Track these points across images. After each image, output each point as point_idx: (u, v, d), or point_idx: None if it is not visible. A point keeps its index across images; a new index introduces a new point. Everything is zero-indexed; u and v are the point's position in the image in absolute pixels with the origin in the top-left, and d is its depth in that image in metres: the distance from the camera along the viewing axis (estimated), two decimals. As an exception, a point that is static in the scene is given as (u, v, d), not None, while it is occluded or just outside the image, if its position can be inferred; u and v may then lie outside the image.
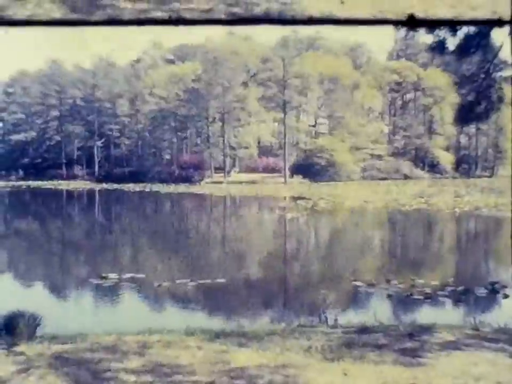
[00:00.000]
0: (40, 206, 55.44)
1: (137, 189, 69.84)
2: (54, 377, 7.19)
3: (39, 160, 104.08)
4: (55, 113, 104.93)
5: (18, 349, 8.49)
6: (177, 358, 8.04)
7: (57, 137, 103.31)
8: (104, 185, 78.91)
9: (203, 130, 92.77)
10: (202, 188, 73.41)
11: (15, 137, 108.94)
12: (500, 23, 2.99)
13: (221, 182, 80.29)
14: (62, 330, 9.75)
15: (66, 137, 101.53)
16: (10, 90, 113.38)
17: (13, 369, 7.48)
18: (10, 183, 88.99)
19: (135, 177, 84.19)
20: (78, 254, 24.33)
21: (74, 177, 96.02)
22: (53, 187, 78.41)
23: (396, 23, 3.03)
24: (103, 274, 16.68)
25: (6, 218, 42.60)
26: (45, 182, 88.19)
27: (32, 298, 15.01)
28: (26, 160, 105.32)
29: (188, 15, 2.95)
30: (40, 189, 75.65)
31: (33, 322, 9.79)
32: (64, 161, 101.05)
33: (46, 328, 9.92)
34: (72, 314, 13.25)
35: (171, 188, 71.31)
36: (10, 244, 27.47)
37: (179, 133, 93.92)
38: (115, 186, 75.80)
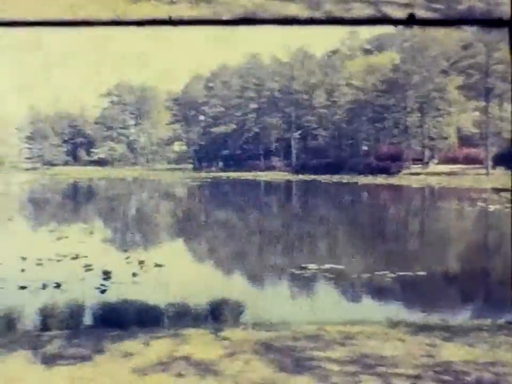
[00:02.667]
0: (239, 196, 57.18)
1: (334, 180, 70.01)
2: (259, 363, 7.29)
3: (238, 151, 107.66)
4: (253, 105, 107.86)
5: (224, 334, 8.73)
6: (380, 349, 7.87)
7: (256, 129, 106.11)
8: (301, 176, 79.89)
9: (401, 121, 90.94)
10: (400, 179, 72.06)
11: (215, 129, 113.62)
12: (499, 23, 2.81)
13: (419, 174, 78.36)
14: (262, 318, 9.90)
15: (264, 129, 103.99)
16: (211, 84, 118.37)
17: (221, 353, 7.70)
18: (211, 174, 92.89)
19: (332, 168, 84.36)
20: (275, 244, 24.73)
21: (272, 168, 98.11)
22: (251, 178, 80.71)
23: (396, 22, 2.87)
24: (302, 265, 16.80)
25: (206, 208, 44.37)
26: (244, 173, 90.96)
27: (232, 286, 15.41)
28: (226, 152, 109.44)
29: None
30: (239, 180, 78.11)
31: (237, 309, 10.05)
32: (262, 152, 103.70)
33: (248, 316, 10.16)
34: (271, 303, 13.43)
35: (368, 179, 70.77)
36: (210, 234, 28.52)
37: (376, 124, 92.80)
38: (312, 177, 76.50)
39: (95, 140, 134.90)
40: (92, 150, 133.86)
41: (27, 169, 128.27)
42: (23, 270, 16.62)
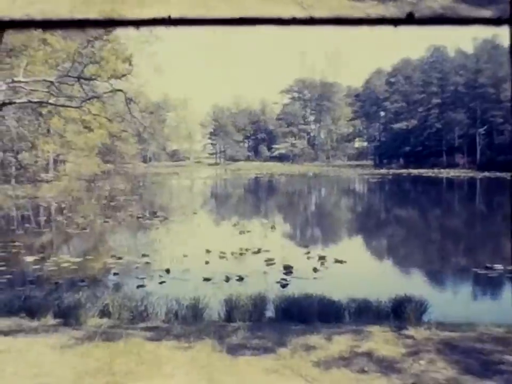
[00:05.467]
0: (420, 194, 55.97)
1: (522, 178, 66.65)
2: (443, 363, 7.13)
3: (420, 148, 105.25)
4: (436, 100, 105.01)
5: (407, 332, 8.62)
6: None
7: (438, 125, 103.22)
8: (486, 174, 76.73)
9: None
10: None
11: (396, 125, 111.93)
12: (499, 23, 2.59)
13: None
14: (445, 317, 9.65)
15: (447, 124, 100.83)
16: (392, 80, 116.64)
17: (403, 351, 7.60)
18: (391, 171, 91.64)
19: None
20: (457, 242, 24.00)
21: (454, 165, 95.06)
22: (432, 175, 78.76)
23: (396, 22, 2.65)
24: (487, 265, 16.16)
25: (386, 205, 43.87)
26: (425, 170, 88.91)
27: (412, 284, 15.14)
28: (407, 148, 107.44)
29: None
30: (420, 177, 76.47)
31: (420, 307, 9.87)
32: (444, 149, 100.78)
33: (431, 314, 9.95)
34: (453, 303, 13.06)
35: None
36: (390, 231, 28.18)
37: None
38: (497, 174, 73.25)
39: (276, 136, 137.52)
40: (273, 145, 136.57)
41: (210, 165, 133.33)
42: (207, 263, 17.31)
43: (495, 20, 2.78)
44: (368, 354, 7.48)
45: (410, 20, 2.71)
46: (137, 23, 2.78)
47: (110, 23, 2.85)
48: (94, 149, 58.66)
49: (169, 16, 2.66)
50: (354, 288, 11.98)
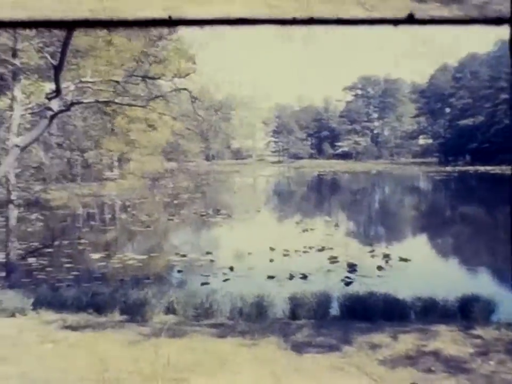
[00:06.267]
0: (487, 191, 54.83)
1: None
2: (514, 364, 6.96)
3: (487, 144, 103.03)
4: (504, 96, 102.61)
5: (474, 332, 8.44)
6: None
7: (506, 121, 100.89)
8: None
9: None
10: None
11: (462, 122, 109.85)
12: (499, 22, 2.43)
13: None
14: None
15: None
16: (458, 75, 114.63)
17: (471, 351, 7.45)
18: (457, 168, 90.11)
19: None
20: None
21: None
22: (500, 172, 77.10)
23: (396, 22, 2.56)
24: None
25: (452, 203, 43.12)
26: (492, 167, 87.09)
27: (479, 284, 14.85)
28: (473, 145, 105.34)
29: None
30: (487, 174, 74.96)
31: (488, 307, 9.66)
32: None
33: (500, 315, 9.71)
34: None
35: None
36: (456, 229, 27.69)
37: None
38: None
39: (339, 134, 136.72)
40: (336, 143, 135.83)
41: (273, 162, 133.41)
42: (271, 260, 17.33)
43: (495, 19, 2.71)
44: (435, 354, 7.37)
45: (410, 20, 2.67)
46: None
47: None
48: (158, 147, 59.36)
49: (170, 16, 2.67)
50: (420, 287, 11.79)
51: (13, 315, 10.03)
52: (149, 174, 62.00)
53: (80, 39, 18.07)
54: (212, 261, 17.86)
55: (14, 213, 17.11)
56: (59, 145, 38.23)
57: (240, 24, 2.67)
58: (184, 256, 18.61)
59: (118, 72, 20.45)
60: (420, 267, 16.63)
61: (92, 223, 28.55)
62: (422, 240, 24.86)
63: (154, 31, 20.37)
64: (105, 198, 41.31)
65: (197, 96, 21.87)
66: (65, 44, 12.68)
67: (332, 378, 6.81)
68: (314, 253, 18.75)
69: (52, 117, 14.70)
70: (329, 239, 21.42)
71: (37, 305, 10.44)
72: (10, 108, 17.87)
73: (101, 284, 13.72)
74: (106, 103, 22.44)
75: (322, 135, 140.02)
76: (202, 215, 30.58)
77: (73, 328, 9.26)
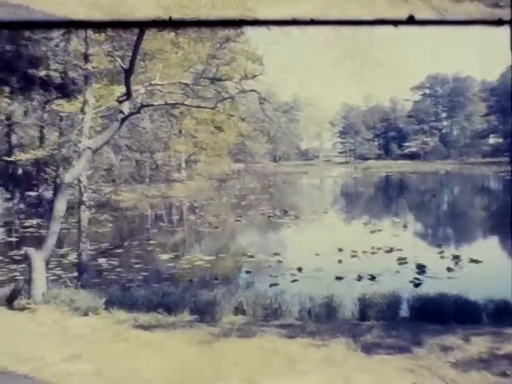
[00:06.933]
0: None
1: None
2: None
3: None
4: None
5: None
6: None
7: None
8: None
9: None
10: None
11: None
12: (499, 23, 2.64)
13: None
14: None
15: None
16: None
17: None
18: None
19: None
20: None
21: None
22: None
23: (396, 23, 2.49)
24: None
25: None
26: None
27: None
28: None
29: None
30: None
31: None
32: None
33: None
34: None
35: None
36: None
37: None
38: None
39: (406, 134, 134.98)
40: (404, 143, 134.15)
41: (339, 163, 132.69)
42: (340, 261, 17.29)
43: (496, 21, 2.68)
44: (510, 357, 7.22)
45: (410, 20, 2.66)
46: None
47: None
48: (225, 148, 59.74)
49: (170, 17, 2.71)
50: (491, 289, 11.57)
51: (86, 314, 10.28)
52: (216, 175, 62.50)
53: (148, 42, 18.38)
54: (279, 261, 17.92)
55: (85, 214, 17.55)
56: (128, 147, 38.92)
57: (240, 25, 2.73)
58: (251, 257, 18.71)
59: (185, 75, 20.72)
60: (492, 269, 16.31)
61: (160, 224, 28.94)
62: (492, 241, 24.35)
63: (221, 33, 20.57)
64: (173, 199, 41.78)
65: (265, 97, 21.98)
66: (137, 45, 12.95)
67: (402, 380, 6.76)
68: (382, 254, 18.63)
69: (123, 120, 15.01)
70: (397, 240, 21.21)
71: (109, 304, 10.68)
72: (82, 111, 18.32)
73: (170, 284, 13.90)
74: (175, 105, 22.75)
75: (389, 136, 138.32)
76: (270, 216, 30.63)
77: (145, 327, 9.43)
